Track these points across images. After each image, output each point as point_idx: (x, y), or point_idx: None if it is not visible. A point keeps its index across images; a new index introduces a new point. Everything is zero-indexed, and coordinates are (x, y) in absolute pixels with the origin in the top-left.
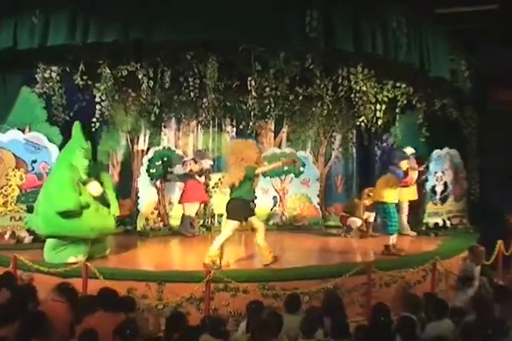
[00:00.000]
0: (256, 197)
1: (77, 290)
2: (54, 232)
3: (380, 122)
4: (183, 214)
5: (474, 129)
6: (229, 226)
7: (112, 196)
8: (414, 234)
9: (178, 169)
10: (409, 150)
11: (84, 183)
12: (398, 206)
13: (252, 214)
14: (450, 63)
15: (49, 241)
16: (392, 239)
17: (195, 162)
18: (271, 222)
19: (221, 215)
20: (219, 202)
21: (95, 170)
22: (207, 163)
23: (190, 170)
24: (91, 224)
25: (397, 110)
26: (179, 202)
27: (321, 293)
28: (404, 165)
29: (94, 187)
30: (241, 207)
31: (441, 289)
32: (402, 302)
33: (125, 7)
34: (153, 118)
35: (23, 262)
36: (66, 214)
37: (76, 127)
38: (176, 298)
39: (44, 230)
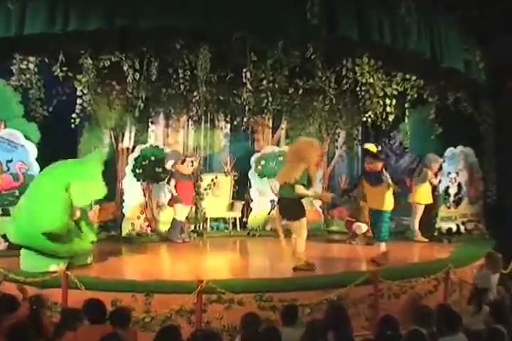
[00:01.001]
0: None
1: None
2: (28, 245)
3: (388, 118)
4: (174, 219)
5: (491, 125)
6: (301, 226)
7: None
8: (426, 240)
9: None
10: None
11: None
12: (412, 209)
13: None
14: (464, 53)
15: (25, 251)
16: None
17: (192, 163)
18: (268, 227)
19: (215, 219)
20: (211, 205)
21: None
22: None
23: (183, 172)
24: (70, 246)
25: (407, 104)
26: (169, 204)
27: (323, 305)
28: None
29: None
30: (298, 205)
31: (454, 300)
32: (411, 314)
33: None
34: (139, 113)
35: None
36: (50, 236)
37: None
38: (164, 310)
39: (17, 241)
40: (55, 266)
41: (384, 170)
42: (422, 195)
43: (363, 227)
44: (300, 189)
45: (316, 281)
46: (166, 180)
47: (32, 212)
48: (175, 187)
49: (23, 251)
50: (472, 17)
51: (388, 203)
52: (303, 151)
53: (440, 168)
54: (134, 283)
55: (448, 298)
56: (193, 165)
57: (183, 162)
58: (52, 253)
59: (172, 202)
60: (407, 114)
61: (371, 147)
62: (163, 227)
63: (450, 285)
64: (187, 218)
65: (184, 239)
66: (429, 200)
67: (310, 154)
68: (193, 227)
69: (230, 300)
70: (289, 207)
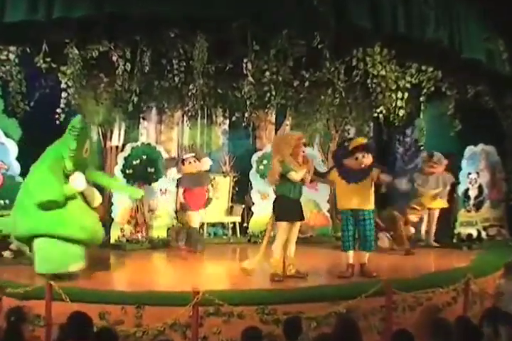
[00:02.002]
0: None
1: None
2: (36, 230)
3: (402, 113)
4: (190, 227)
5: None
6: (279, 229)
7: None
8: (435, 244)
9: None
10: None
11: (68, 175)
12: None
13: (301, 215)
14: (485, 43)
15: (40, 249)
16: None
17: (198, 160)
18: (272, 233)
19: (212, 225)
20: (208, 209)
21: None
22: (207, 164)
23: (190, 172)
24: (79, 220)
25: (423, 98)
26: (179, 210)
27: (331, 318)
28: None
29: (78, 181)
30: (286, 206)
31: (474, 313)
32: (428, 328)
33: None
34: (130, 108)
35: None
36: (47, 206)
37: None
38: (157, 324)
39: (23, 229)
40: (76, 265)
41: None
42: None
43: (385, 241)
44: (293, 175)
45: (324, 292)
46: (176, 188)
47: (25, 191)
48: (183, 192)
49: (37, 252)
50: (494, 3)
51: (373, 201)
52: (275, 147)
53: (459, 169)
54: (123, 294)
55: (468, 310)
56: (196, 161)
57: (183, 163)
58: (62, 233)
59: (180, 208)
60: (422, 108)
61: (362, 139)
62: (156, 233)
63: (470, 297)
64: (181, 223)
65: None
66: (440, 204)
67: (280, 147)
68: None
69: (229, 312)
70: (275, 204)
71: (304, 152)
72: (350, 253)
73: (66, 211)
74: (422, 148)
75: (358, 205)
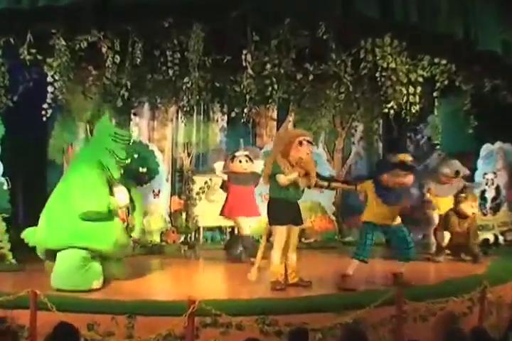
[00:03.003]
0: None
1: None
2: (71, 243)
3: (413, 109)
4: (240, 234)
5: None
6: (276, 234)
7: (138, 215)
8: (440, 259)
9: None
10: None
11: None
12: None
13: (297, 220)
14: (502, 34)
15: (65, 263)
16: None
17: (251, 161)
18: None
19: (209, 229)
20: (205, 212)
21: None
22: (260, 166)
23: (243, 172)
24: (114, 235)
25: (436, 93)
26: (222, 215)
27: (337, 330)
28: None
29: (122, 195)
30: (280, 209)
31: (491, 323)
32: (442, 340)
33: None
34: (120, 103)
35: None
36: (92, 218)
37: (104, 120)
38: (150, 336)
39: (58, 241)
40: (97, 282)
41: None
42: (438, 203)
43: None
44: (280, 178)
45: (329, 302)
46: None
47: (64, 200)
48: (227, 194)
49: (59, 266)
50: None
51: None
52: (273, 144)
53: (473, 168)
54: (114, 303)
55: (484, 320)
56: (248, 161)
57: (232, 160)
58: (96, 248)
59: (225, 213)
60: (436, 104)
61: (406, 157)
62: (149, 237)
63: (486, 306)
64: (176, 227)
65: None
66: (444, 210)
67: (275, 147)
68: (183, 238)
69: (227, 323)
70: (269, 207)
71: (308, 153)
72: (356, 263)
73: (104, 225)
74: (437, 147)
75: (388, 222)
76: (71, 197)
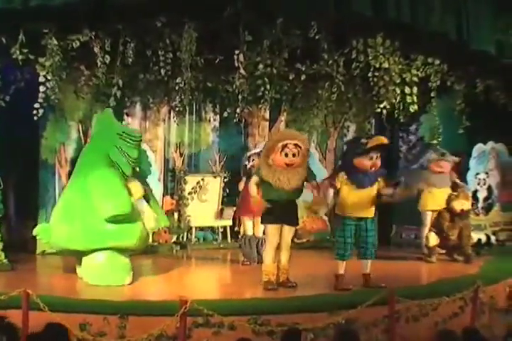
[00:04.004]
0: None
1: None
2: (101, 244)
3: (409, 109)
4: (245, 234)
5: None
6: (267, 233)
7: (155, 204)
8: (433, 261)
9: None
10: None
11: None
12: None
13: (291, 219)
14: (496, 33)
15: (101, 262)
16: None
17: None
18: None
19: (201, 229)
20: (197, 212)
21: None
22: None
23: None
24: (139, 231)
25: (433, 94)
26: (236, 216)
27: (329, 330)
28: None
29: (137, 189)
30: (271, 208)
31: (483, 323)
32: (434, 340)
33: None
34: (112, 103)
35: None
36: (116, 220)
37: (106, 114)
38: (142, 336)
39: (85, 243)
40: (129, 278)
41: None
42: (427, 200)
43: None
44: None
45: (321, 301)
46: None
47: (85, 202)
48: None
49: (97, 265)
50: None
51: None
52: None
53: (465, 168)
54: (106, 303)
55: (476, 320)
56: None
57: (249, 159)
58: (120, 245)
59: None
60: (433, 104)
61: (384, 139)
62: None
63: (479, 306)
64: (168, 227)
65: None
66: (439, 206)
67: (264, 149)
68: (175, 238)
69: (219, 323)
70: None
71: (293, 156)
72: (344, 263)
73: (129, 223)
74: (431, 146)
75: (364, 214)
76: (92, 198)
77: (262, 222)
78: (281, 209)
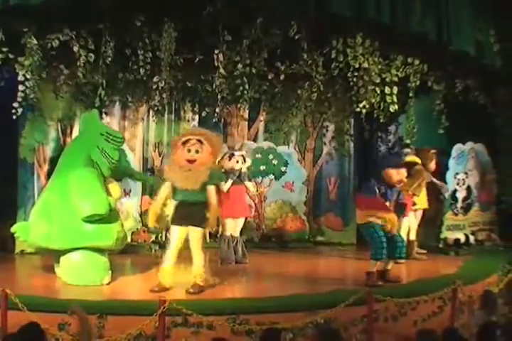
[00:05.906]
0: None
1: None
2: (78, 243)
3: (389, 108)
4: (223, 234)
5: (507, 118)
6: (170, 234)
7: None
8: (425, 258)
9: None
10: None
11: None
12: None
13: (198, 220)
14: (475, 34)
15: (78, 261)
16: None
17: (245, 160)
18: (243, 238)
19: None
20: None
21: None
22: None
23: (238, 171)
24: (115, 232)
25: (412, 93)
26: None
27: (308, 329)
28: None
29: (116, 190)
30: (175, 210)
31: (463, 323)
32: (413, 339)
33: None
34: (97, 103)
35: None
36: (93, 219)
37: (92, 114)
38: (120, 336)
39: (63, 242)
40: (107, 277)
41: None
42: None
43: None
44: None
45: (300, 301)
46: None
47: (63, 201)
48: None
49: (74, 264)
50: None
51: None
52: None
53: (444, 168)
54: (84, 303)
55: (455, 320)
56: (243, 163)
57: (230, 158)
58: (98, 245)
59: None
60: (411, 104)
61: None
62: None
63: (458, 306)
64: (146, 226)
65: (239, 259)
66: (423, 205)
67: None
68: (154, 237)
69: (197, 323)
70: None
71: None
72: (377, 262)
73: (107, 223)
74: (409, 146)
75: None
76: (71, 198)
77: (170, 223)
78: (186, 210)
